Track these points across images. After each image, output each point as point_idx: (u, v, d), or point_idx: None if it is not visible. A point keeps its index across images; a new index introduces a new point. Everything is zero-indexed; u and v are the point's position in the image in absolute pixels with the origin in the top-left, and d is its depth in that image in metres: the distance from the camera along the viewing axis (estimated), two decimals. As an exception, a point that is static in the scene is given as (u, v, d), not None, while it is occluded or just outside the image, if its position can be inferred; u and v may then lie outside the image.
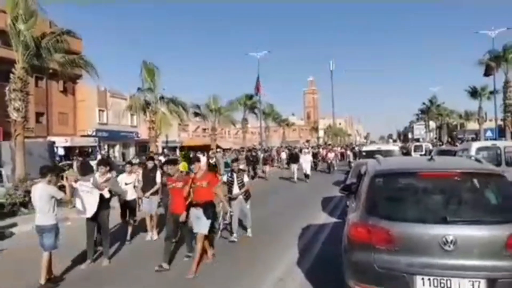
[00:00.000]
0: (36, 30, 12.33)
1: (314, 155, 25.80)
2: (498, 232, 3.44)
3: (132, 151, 38.40)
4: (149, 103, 23.64)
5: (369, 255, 3.64)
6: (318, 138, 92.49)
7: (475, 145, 10.85)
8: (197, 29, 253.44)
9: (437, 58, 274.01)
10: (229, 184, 7.92)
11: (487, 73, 28.49)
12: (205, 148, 29.52)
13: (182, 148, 41.95)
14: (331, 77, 60.21)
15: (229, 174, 8.15)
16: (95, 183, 6.31)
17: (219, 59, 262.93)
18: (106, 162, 7.46)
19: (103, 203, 6.43)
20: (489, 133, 34.36)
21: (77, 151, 28.00)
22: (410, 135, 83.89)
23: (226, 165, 16.88)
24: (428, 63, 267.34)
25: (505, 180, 3.89)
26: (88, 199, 6.30)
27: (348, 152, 32.62)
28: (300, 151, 24.74)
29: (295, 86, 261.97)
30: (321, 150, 31.36)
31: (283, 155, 29.43)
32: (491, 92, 34.49)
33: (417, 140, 57.11)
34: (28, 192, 9.68)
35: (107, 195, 6.47)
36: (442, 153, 14.45)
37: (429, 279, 3.41)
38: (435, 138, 58.14)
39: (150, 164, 8.52)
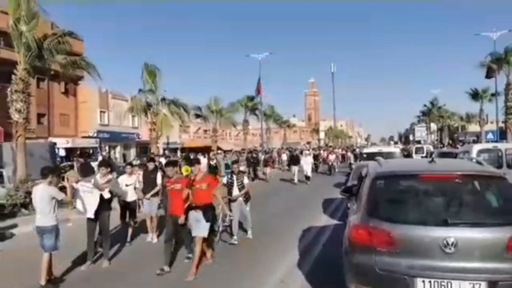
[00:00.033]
0: (38, 31, 12.38)
1: (315, 157, 25.77)
2: (499, 234, 3.43)
3: (133, 152, 38.43)
4: (150, 104, 23.69)
5: (370, 257, 3.63)
6: (319, 140, 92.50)
7: (476, 147, 10.84)
8: (198, 30, 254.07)
9: (439, 60, 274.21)
10: (229, 186, 7.92)
11: (488, 75, 28.46)
12: (206, 150, 29.49)
13: (183, 150, 42.04)
14: (332, 79, 59.64)
15: (229, 176, 8.15)
16: (96, 184, 6.32)
17: (220, 61, 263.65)
18: (107, 163, 7.47)
19: (104, 204, 6.44)
20: (490, 135, 34.34)
21: (78, 152, 28.00)
22: (411, 137, 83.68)
23: (227, 166, 16.91)
24: (429, 65, 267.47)
25: (506, 182, 3.89)
26: (88, 199, 6.31)
27: (349, 154, 32.67)
28: (301, 152, 24.70)
29: (296, 88, 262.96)
30: (322, 152, 31.31)
31: (284, 157, 29.44)
32: (492, 94, 34.46)
33: (418, 142, 56.83)
34: (29, 193, 9.69)
35: (107, 195, 6.48)
36: (443, 155, 14.46)
37: (430, 282, 3.40)
38: (436, 140, 58.06)
39: (150, 166, 8.53)
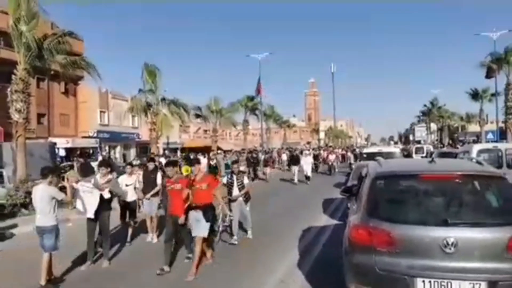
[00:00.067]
0: (38, 31, 12.38)
1: (315, 157, 25.78)
2: (499, 234, 3.43)
3: (133, 152, 38.43)
4: (150, 104, 23.70)
5: (370, 257, 3.63)
6: (319, 140, 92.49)
7: (476, 147, 10.85)
8: (198, 30, 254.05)
9: (439, 60, 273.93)
10: (229, 186, 7.92)
11: (488, 75, 28.46)
12: (206, 150, 29.49)
13: (183, 150, 42.04)
14: (332, 79, 59.62)
15: (229, 176, 8.16)
16: (96, 184, 6.32)
17: (220, 61, 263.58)
18: (107, 163, 7.47)
19: (104, 204, 6.44)
20: (490, 135, 34.34)
21: (78, 152, 28.00)
22: (411, 137, 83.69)
23: (227, 166, 16.91)
24: (429, 65, 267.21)
25: (506, 182, 3.89)
26: (88, 199, 6.31)
27: (349, 154, 32.66)
28: (301, 152, 24.71)
29: (296, 88, 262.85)
30: (322, 152, 31.31)
31: (284, 157, 29.44)
32: (492, 94, 34.46)
33: (418, 142, 56.85)
34: (29, 193, 9.69)
35: (107, 195, 6.48)
36: (443, 155, 14.46)
37: (430, 282, 3.40)
38: (436, 140, 58.06)
39: (150, 166, 8.53)
